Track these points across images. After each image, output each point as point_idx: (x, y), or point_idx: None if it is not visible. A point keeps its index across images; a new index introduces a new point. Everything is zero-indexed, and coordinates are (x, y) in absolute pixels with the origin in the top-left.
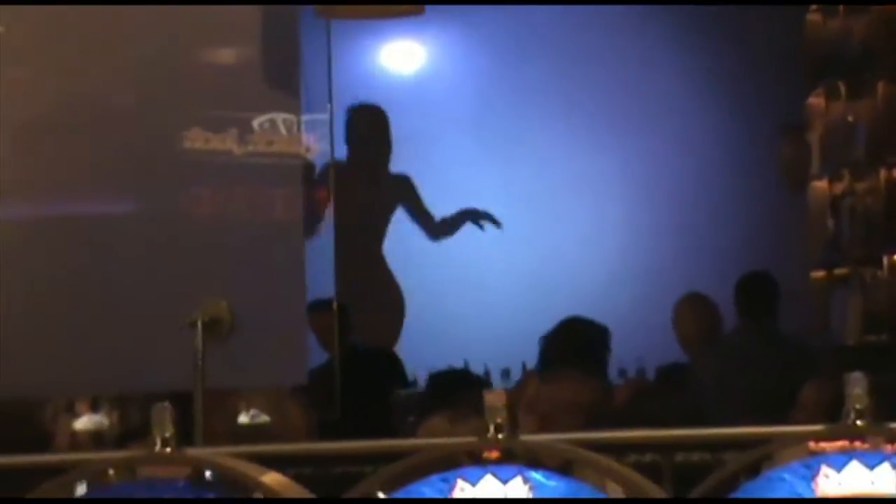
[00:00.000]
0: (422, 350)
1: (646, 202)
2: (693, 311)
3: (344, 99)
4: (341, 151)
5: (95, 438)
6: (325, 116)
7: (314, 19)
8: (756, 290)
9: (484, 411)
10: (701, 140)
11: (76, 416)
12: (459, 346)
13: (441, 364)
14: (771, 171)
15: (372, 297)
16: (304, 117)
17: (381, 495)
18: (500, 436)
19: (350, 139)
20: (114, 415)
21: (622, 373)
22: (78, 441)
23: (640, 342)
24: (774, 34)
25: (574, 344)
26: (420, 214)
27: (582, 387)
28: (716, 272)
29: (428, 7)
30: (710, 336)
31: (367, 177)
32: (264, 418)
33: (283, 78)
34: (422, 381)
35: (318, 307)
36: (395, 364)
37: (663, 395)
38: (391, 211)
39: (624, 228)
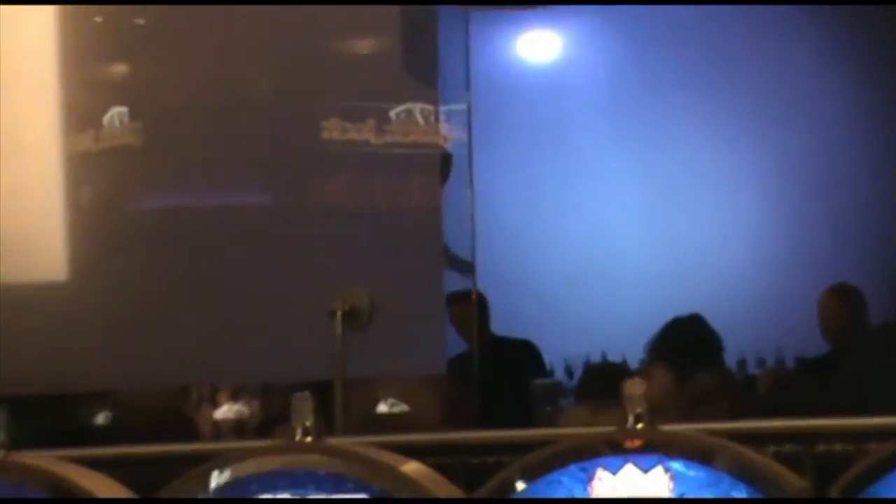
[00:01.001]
0: (561, 340)
1: (787, 192)
2: (841, 301)
3: (482, 88)
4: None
5: (237, 428)
6: (462, 107)
7: (452, 9)
8: None
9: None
10: (842, 130)
11: (218, 405)
12: (596, 336)
13: (579, 353)
14: None
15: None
16: (442, 107)
17: (520, 485)
18: (639, 425)
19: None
20: (255, 404)
21: (761, 363)
22: (220, 430)
23: (779, 333)
24: None
25: (682, 345)
26: None
27: (714, 383)
28: (858, 262)
29: None
30: (858, 326)
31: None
32: (404, 407)
33: (421, 68)
34: (560, 370)
35: (458, 298)
36: (533, 354)
37: (803, 385)
38: None
39: (765, 218)
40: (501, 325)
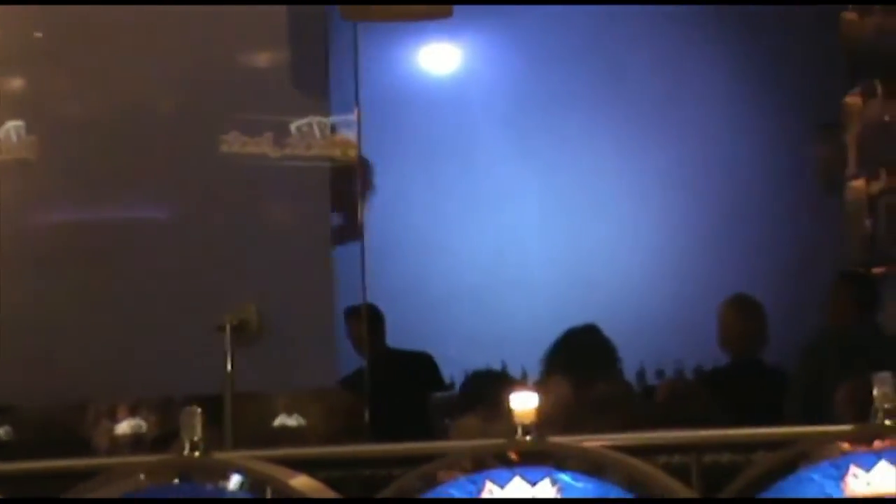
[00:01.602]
0: (461, 352)
1: (682, 203)
2: (740, 312)
3: (377, 100)
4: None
5: (135, 442)
6: (352, 118)
7: (343, 22)
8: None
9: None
10: (737, 140)
11: (116, 420)
12: (497, 348)
13: (479, 366)
14: (808, 172)
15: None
16: (332, 120)
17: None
18: (527, 437)
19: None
20: (152, 419)
21: (660, 374)
22: (118, 445)
23: (679, 344)
24: (810, 33)
25: (576, 356)
26: None
27: (610, 394)
28: (751, 272)
29: (457, 8)
30: (757, 338)
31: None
32: (297, 422)
33: (313, 81)
34: (460, 383)
35: (351, 312)
36: (431, 366)
37: (701, 396)
38: None
39: (661, 230)
40: (402, 338)
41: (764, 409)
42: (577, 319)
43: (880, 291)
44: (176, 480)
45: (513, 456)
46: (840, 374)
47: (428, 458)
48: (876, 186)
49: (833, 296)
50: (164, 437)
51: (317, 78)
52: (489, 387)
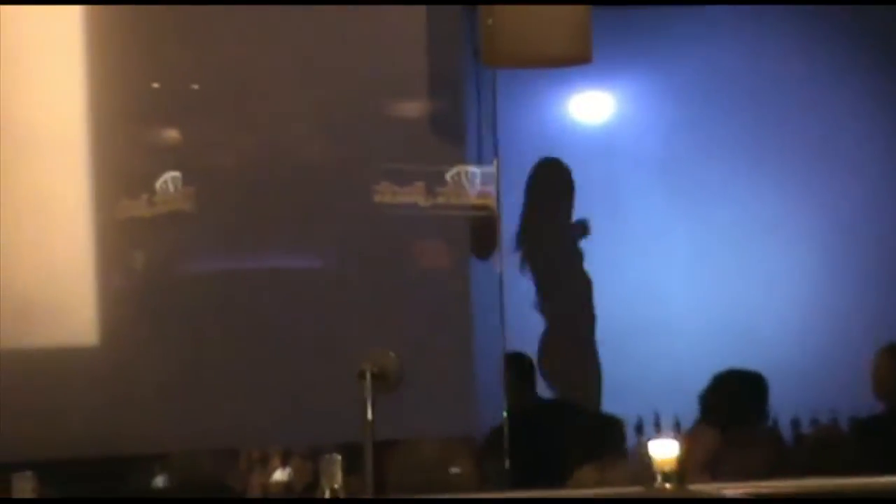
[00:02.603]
0: (610, 400)
1: (838, 249)
2: (895, 359)
3: (512, 150)
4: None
5: (287, 491)
6: (491, 169)
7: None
8: None
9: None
10: (887, 183)
11: (268, 468)
12: (648, 396)
13: (629, 414)
14: None
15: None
16: (477, 169)
17: None
18: (667, 485)
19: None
20: (302, 467)
21: (814, 422)
22: (270, 493)
23: (832, 391)
24: None
25: (729, 398)
26: None
27: (761, 444)
28: None
29: (605, 55)
30: None
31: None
32: (443, 469)
33: (452, 130)
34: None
35: (511, 359)
36: (577, 416)
37: (855, 446)
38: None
39: (816, 275)
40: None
41: None
42: (728, 368)
43: None
44: None
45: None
46: None
47: None
48: None
49: None
50: (313, 486)
51: (458, 127)
52: (607, 435)
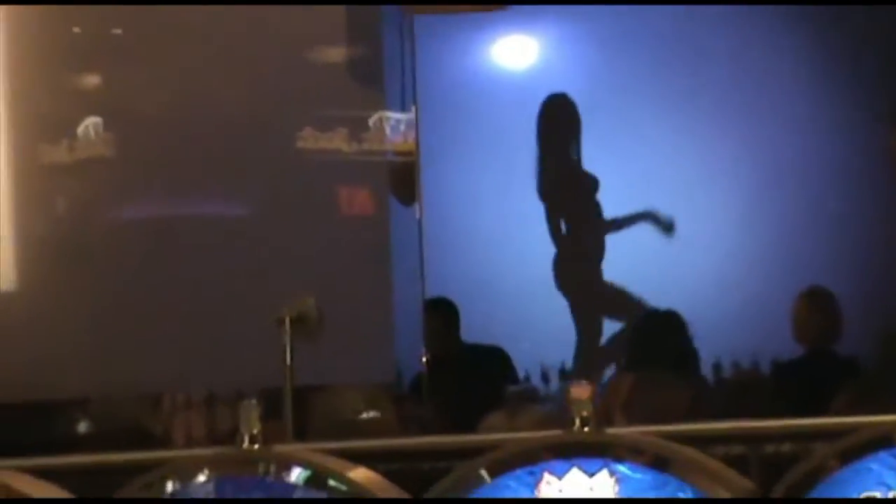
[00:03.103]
0: (536, 346)
1: (757, 196)
2: (815, 305)
3: (432, 96)
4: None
5: (211, 435)
6: (410, 115)
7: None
8: None
9: (567, 405)
10: (816, 132)
11: (191, 413)
12: (570, 342)
13: (553, 361)
14: (883, 163)
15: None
16: (397, 115)
17: (470, 489)
18: (585, 429)
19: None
20: (227, 412)
21: (736, 366)
22: (193, 438)
23: (754, 336)
24: (887, 23)
25: (657, 340)
26: None
27: (678, 387)
28: (828, 265)
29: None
30: (832, 331)
31: None
32: (359, 415)
33: (371, 77)
34: (536, 377)
35: (427, 306)
36: (503, 361)
37: (768, 387)
38: None
39: (736, 222)
40: (473, 333)
41: (838, 401)
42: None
43: None
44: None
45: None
46: None
47: (489, 449)
48: None
49: None
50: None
51: (377, 74)
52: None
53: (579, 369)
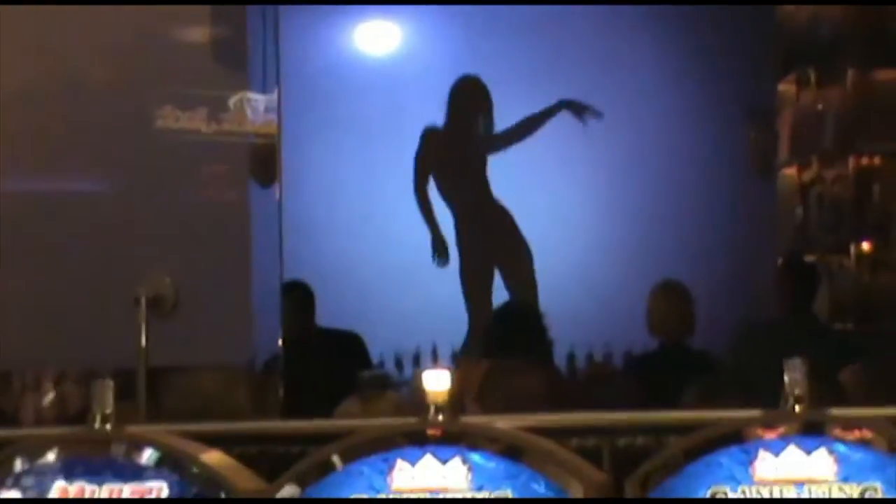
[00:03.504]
0: (390, 332)
1: (614, 188)
2: (669, 298)
3: (303, 78)
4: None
5: (60, 415)
6: (272, 96)
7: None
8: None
9: (422, 392)
10: (671, 126)
11: (41, 392)
12: (427, 328)
13: (408, 346)
14: (741, 158)
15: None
16: (260, 97)
17: (322, 473)
18: (440, 417)
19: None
20: (76, 392)
21: (589, 357)
22: (43, 417)
23: (607, 328)
24: (746, 20)
25: (512, 329)
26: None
27: (532, 375)
28: (683, 258)
29: None
30: (684, 324)
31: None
32: (214, 397)
33: (232, 57)
34: (390, 362)
35: (284, 289)
36: (358, 346)
37: (623, 379)
38: None
39: (592, 213)
40: (331, 318)
41: (690, 395)
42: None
43: (817, 281)
44: None
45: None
46: (770, 360)
47: (344, 435)
48: (808, 175)
49: (778, 283)
50: (85, 410)
51: (241, 54)
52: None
53: (434, 356)
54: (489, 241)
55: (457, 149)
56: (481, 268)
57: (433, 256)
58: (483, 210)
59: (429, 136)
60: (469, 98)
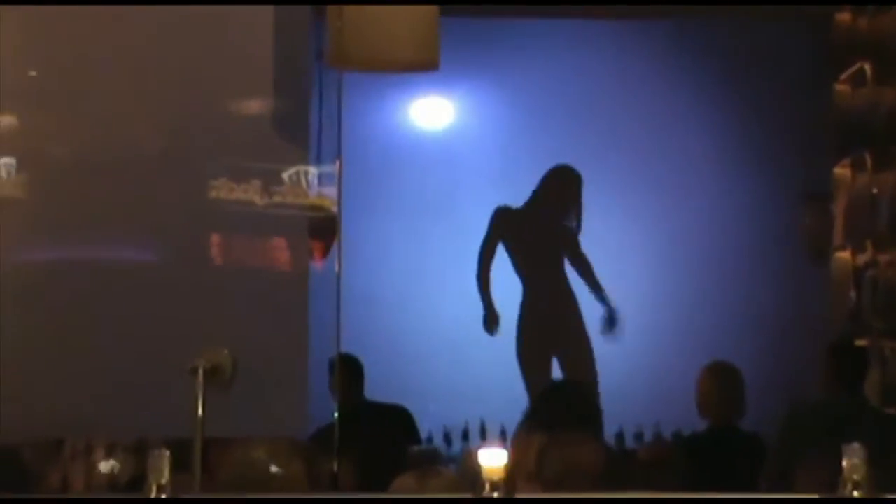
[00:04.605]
0: (440, 407)
1: (669, 268)
2: (718, 379)
3: (362, 153)
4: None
5: (111, 483)
6: (331, 169)
7: (330, 72)
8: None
9: (474, 469)
10: (726, 206)
11: (92, 460)
12: (476, 404)
13: (458, 421)
14: (794, 241)
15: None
16: (317, 170)
17: None
18: (495, 494)
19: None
20: (127, 461)
21: (638, 437)
22: (93, 485)
23: (657, 408)
24: (803, 102)
25: (567, 407)
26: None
27: (592, 449)
28: (736, 340)
29: (448, 62)
30: (734, 405)
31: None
32: (271, 470)
33: (294, 130)
34: (439, 438)
35: (342, 360)
36: (406, 420)
37: (682, 462)
38: None
39: (644, 293)
40: (380, 392)
41: (740, 478)
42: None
43: (867, 364)
44: None
45: None
46: (822, 445)
47: None
48: (862, 258)
49: (823, 366)
50: (138, 480)
51: (301, 127)
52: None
53: (482, 432)
54: (555, 323)
55: (540, 232)
56: (543, 347)
57: (485, 328)
58: (555, 293)
59: (501, 215)
60: (566, 187)
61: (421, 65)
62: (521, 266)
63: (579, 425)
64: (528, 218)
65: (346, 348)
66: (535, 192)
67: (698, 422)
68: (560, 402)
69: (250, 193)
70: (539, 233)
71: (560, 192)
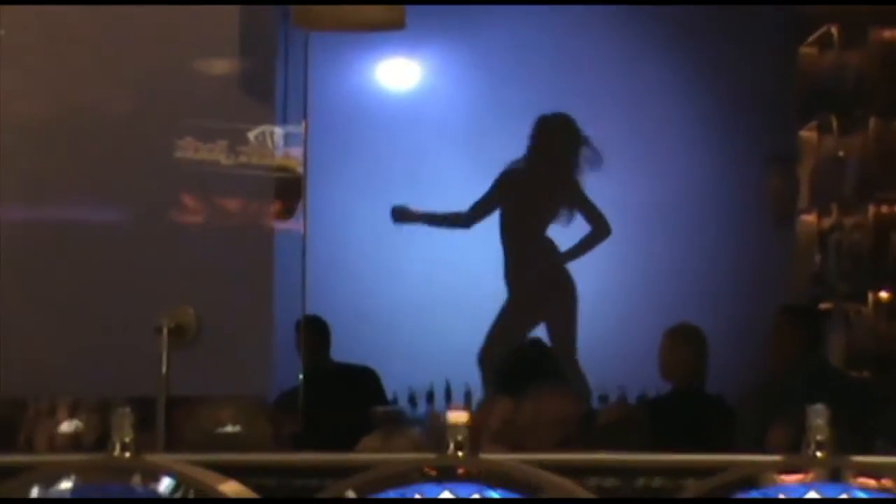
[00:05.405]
0: (405, 368)
1: (629, 231)
2: (682, 342)
3: (327, 113)
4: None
5: (75, 443)
6: (297, 129)
7: (296, 32)
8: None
9: (439, 430)
10: (689, 169)
11: (56, 419)
12: (441, 365)
13: (422, 382)
14: (759, 204)
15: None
16: (283, 130)
17: None
18: (459, 453)
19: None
20: (91, 420)
21: (603, 399)
22: (57, 445)
23: (620, 370)
24: (768, 66)
25: (531, 369)
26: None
27: (568, 403)
28: (699, 303)
29: (414, 24)
30: (698, 368)
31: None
32: (234, 428)
33: (260, 90)
34: (404, 399)
35: (307, 322)
36: (373, 381)
37: (644, 423)
38: None
39: (607, 256)
40: (346, 352)
41: (703, 439)
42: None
43: (823, 326)
44: None
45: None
46: (784, 410)
47: (361, 469)
48: (827, 222)
49: (776, 330)
50: (103, 439)
51: (267, 87)
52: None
53: (447, 393)
54: (540, 283)
55: (538, 189)
56: (525, 311)
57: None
58: (535, 251)
59: (507, 175)
60: (562, 137)
61: (387, 24)
62: (513, 229)
63: (541, 385)
64: (532, 177)
65: (312, 310)
66: (530, 149)
67: (663, 385)
68: (526, 362)
69: (216, 153)
70: (542, 192)
71: (551, 143)
